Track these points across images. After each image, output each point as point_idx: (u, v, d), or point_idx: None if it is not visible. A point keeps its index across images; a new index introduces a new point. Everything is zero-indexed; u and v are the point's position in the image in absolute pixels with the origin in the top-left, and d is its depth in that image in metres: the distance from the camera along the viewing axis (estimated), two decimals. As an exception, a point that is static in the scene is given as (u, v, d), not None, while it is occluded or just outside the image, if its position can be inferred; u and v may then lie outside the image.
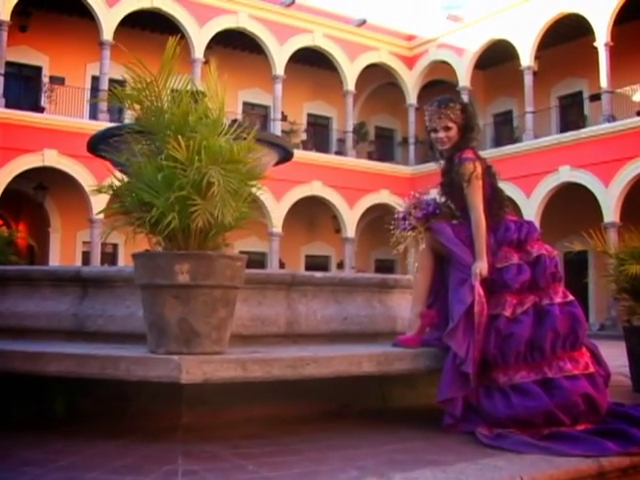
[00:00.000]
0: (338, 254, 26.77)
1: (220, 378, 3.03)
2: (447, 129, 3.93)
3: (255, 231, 21.94)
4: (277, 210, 23.38)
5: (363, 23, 26.25)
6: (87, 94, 21.97)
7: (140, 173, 3.13)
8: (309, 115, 28.07)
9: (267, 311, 4.01)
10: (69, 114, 20.83)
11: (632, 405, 3.81)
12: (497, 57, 25.40)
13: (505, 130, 27.02)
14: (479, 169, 3.82)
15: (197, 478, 2.58)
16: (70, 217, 21.87)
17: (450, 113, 3.92)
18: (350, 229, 25.39)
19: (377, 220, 23.40)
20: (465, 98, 21.00)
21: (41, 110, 21.00)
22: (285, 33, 24.45)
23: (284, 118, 25.26)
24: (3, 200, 19.39)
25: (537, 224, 4.03)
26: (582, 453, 3.01)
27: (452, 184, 3.92)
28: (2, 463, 2.75)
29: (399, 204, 4.12)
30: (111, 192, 3.24)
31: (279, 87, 24.35)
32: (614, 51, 21.11)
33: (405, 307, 4.31)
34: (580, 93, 24.97)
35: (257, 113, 26.22)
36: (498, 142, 26.03)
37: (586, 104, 24.47)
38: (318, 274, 4.37)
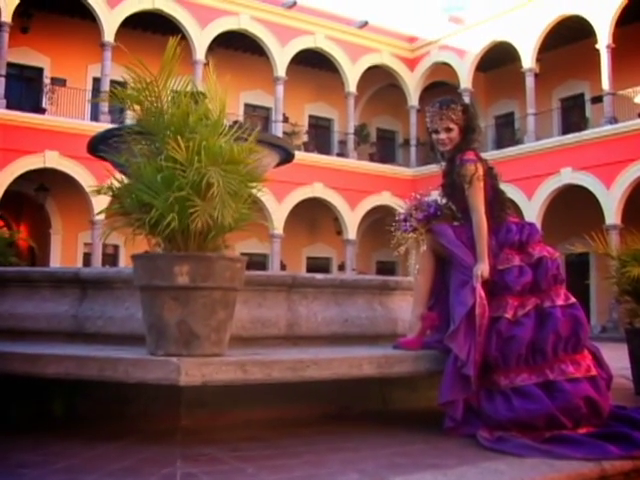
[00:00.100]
0: (339, 256, 26.76)
1: (219, 380, 3.01)
2: (448, 130, 3.91)
3: (256, 233, 21.92)
4: (278, 212, 23.39)
5: (365, 25, 26.26)
6: (88, 95, 21.99)
7: (140, 174, 3.11)
8: (310, 117, 28.09)
9: (267, 313, 3.99)
10: (70, 115, 20.84)
11: (634, 408, 3.79)
12: (499, 59, 25.40)
13: (506, 132, 27.02)
14: (480, 170, 3.80)
15: (196, 481, 2.56)
16: (71, 218, 21.88)
17: (451, 114, 3.90)
18: (351, 231, 25.39)
19: (378, 222, 23.40)
20: (467, 100, 20.99)
21: (42, 111, 21.02)
22: (287, 35, 24.46)
23: (285, 120, 25.26)
24: (4, 201, 19.40)
25: (538, 226, 4.01)
26: (584, 456, 2.99)
27: (453, 185, 3.90)
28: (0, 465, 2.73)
29: (400, 206, 4.11)
30: (110, 193, 3.22)
31: (280, 89, 24.36)
32: (616, 53, 21.10)
33: (406, 309, 4.29)
34: (582, 95, 24.97)
35: (258, 115, 26.23)
36: (499, 144, 26.02)
37: (588, 106, 24.46)
38: (319, 276, 4.36)
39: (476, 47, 25.02)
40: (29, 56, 22.26)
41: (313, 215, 25.85)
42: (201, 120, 3.18)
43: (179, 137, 3.00)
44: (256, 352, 3.43)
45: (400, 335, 4.11)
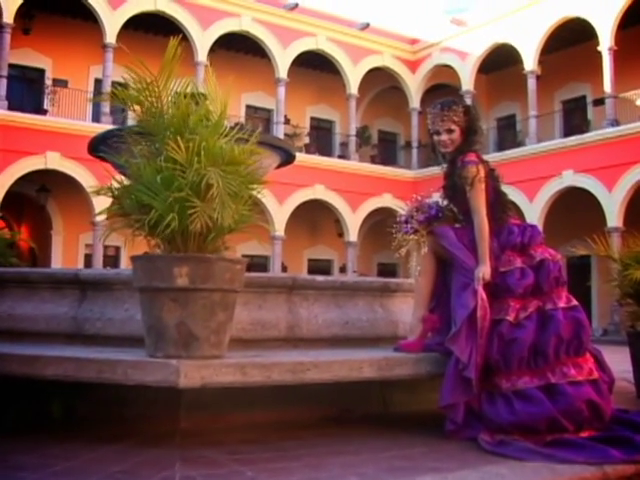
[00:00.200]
0: (341, 258, 26.76)
1: (219, 383, 2.99)
2: (450, 132, 3.90)
3: (256, 234, 21.87)
4: (279, 213, 23.40)
5: (366, 27, 26.25)
6: (90, 97, 21.97)
7: (139, 175, 3.10)
8: (312, 119, 28.09)
9: (267, 315, 3.97)
10: (72, 117, 20.84)
11: (636, 411, 3.77)
12: (500, 61, 25.39)
13: (508, 134, 26.99)
14: (482, 172, 3.78)
15: (194, 484, 2.55)
16: (72, 220, 21.88)
17: (453, 115, 3.88)
18: (352, 233, 25.38)
19: (379, 224, 23.37)
20: (468, 102, 20.96)
21: (44, 112, 21.02)
22: (288, 36, 24.46)
23: (287, 121, 25.25)
24: (5, 202, 19.38)
25: (540, 228, 3.99)
26: (586, 460, 2.97)
27: (455, 187, 3.88)
28: (-3, 468, 2.72)
29: (402, 208, 4.09)
30: (110, 194, 3.21)
31: (282, 90, 24.35)
32: (618, 55, 21.08)
33: (407, 311, 4.28)
34: (584, 97, 24.95)
35: (260, 116, 26.23)
36: (501, 146, 26.00)
37: (590, 108, 24.44)
38: (319, 278, 4.34)
39: (478, 49, 25.01)
40: (31, 57, 22.26)
41: (314, 217, 25.84)
42: (201, 121, 3.17)
43: (179, 138, 2.99)
44: (256, 354, 3.41)
45: (401, 337, 4.09)
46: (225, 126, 3.21)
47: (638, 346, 5.30)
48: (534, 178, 22.07)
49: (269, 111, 26.32)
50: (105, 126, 17.03)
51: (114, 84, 19.13)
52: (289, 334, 4.05)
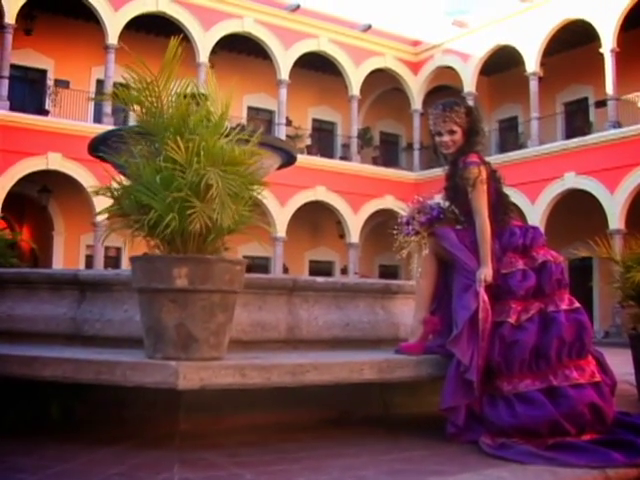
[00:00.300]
0: (342, 259, 26.75)
1: (218, 384, 2.98)
2: (452, 133, 3.88)
3: (257, 236, 21.88)
4: (281, 215, 23.40)
5: (368, 28, 26.24)
6: (92, 97, 21.99)
7: (139, 175, 3.08)
8: (314, 120, 28.08)
9: (267, 316, 3.95)
10: (73, 117, 20.84)
11: (638, 414, 3.74)
12: (502, 63, 25.37)
13: (510, 136, 26.98)
14: (484, 173, 3.76)
15: (193, 487, 2.53)
16: (74, 220, 21.88)
17: (455, 116, 3.86)
18: (354, 234, 25.37)
19: (381, 226, 23.35)
20: (470, 104, 20.95)
21: (46, 113, 21.03)
22: (290, 38, 24.46)
23: (289, 123, 25.25)
24: (7, 203, 19.41)
25: (542, 230, 3.97)
26: (588, 464, 2.95)
27: (456, 188, 3.86)
28: (-5, 469, 2.70)
29: (403, 209, 4.06)
30: (109, 194, 3.19)
31: (284, 92, 24.35)
32: (620, 57, 21.07)
33: (408, 313, 4.26)
34: (586, 99, 24.94)
35: (262, 118, 26.19)
36: (503, 148, 25.99)
37: (591, 110, 24.42)
38: (320, 279, 4.32)
39: (480, 51, 25.00)
40: (33, 58, 22.27)
41: (316, 218, 25.83)
42: (202, 121, 3.15)
43: (178, 138, 2.97)
44: (256, 356, 3.40)
45: (402, 339, 4.07)
46: (226, 127, 3.19)
47: (640, 348, 5.28)
48: (536, 180, 22.05)
49: (271, 112, 26.31)
50: (107, 127, 17.01)
51: (116, 85, 19.04)
52: (289, 336, 4.03)
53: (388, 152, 29.23)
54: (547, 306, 3.55)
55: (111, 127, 16.43)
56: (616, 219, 20.42)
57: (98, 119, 20.97)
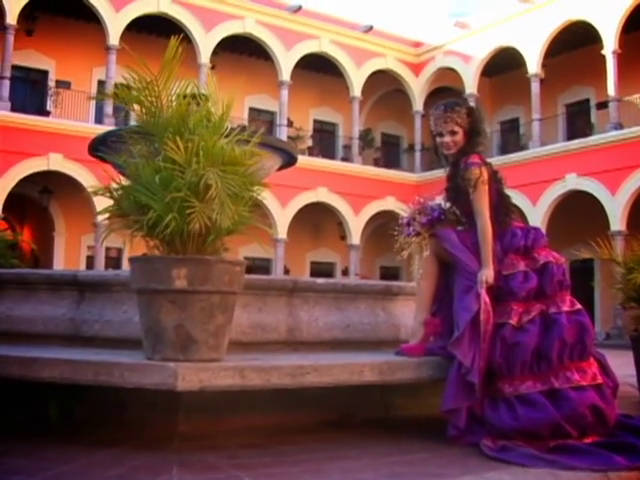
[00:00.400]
0: (343, 261, 26.73)
1: (217, 386, 2.96)
2: (453, 133, 3.86)
3: (257, 237, 21.86)
4: (282, 216, 23.38)
5: (370, 29, 26.25)
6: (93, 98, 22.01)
7: (138, 175, 3.07)
8: (315, 121, 28.08)
9: (267, 318, 3.94)
10: (74, 118, 20.85)
11: (641, 417, 3.72)
12: (504, 64, 25.36)
13: (511, 137, 26.98)
14: (485, 174, 3.74)
15: (191, 490, 2.51)
16: (75, 221, 21.88)
17: (456, 117, 3.84)
18: (355, 236, 25.35)
19: (382, 227, 23.30)
20: (472, 104, 20.94)
21: (47, 114, 21.04)
22: (292, 39, 24.46)
23: (290, 124, 25.25)
24: (8, 204, 19.42)
25: (543, 231, 3.95)
26: (589, 467, 2.92)
27: (457, 189, 3.84)
28: (-8, 471, 2.69)
29: (404, 211, 4.04)
30: (108, 194, 3.17)
31: (285, 93, 24.35)
32: (622, 59, 21.06)
33: (409, 315, 4.24)
34: (587, 101, 24.94)
35: (263, 119, 26.18)
36: (504, 149, 25.97)
37: (593, 112, 24.42)
38: (320, 280, 4.30)
39: (481, 52, 24.99)
40: (34, 59, 22.29)
41: (317, 220, 25.81)
42: (202, 121, 3.13)
43: (178, 138, 2.95)
44: (255, 357, 3.38)
45: (403, 341, 4.05)
46: (226, 127, 3.17)
47: (642, 350, 5.26)
48: (537, 182, 22.03)
49: (272, 114, 26.31)
50: (108, 128, 17.01)
51: (117, 86, 19.06)
52: (289, 337, 4.01)
53: (389, 153, 29.21)
54: (548, 308, 3.53)
55: (112, 128, 16.43)
56: (617, 220, 20.41)
57: (99, 120, 20.97)
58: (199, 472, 2.74)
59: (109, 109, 20.64)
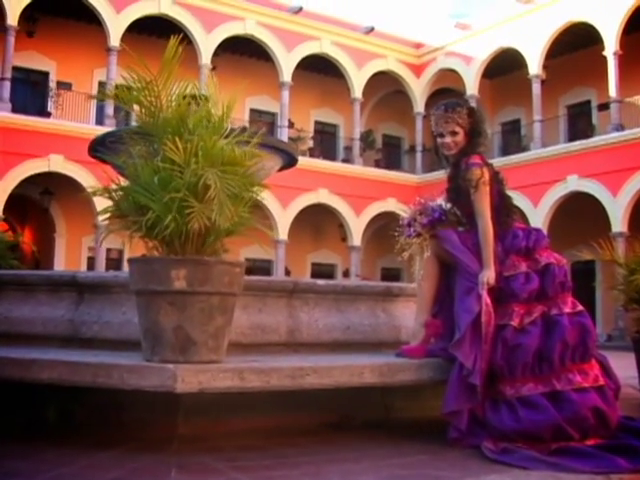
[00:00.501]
0: (344, 262, 26.72)
1: (216, 388, 2.94)
2: (454, 134, 3.84)
3: (257, 238, 21.85)
4: (283, 218, 23.37)
5: (371, 31, 26.24)
6: (94, 100, 21.98)
7: (137, 175, 3.05)
8: (316, 122, 28.08)
9: (267, 319, 3.92)
10: (75, 119, 20.85)
11: (643, 419, 3.70)
12: (505, 65, 25.35)
13: (513, 139, 26.97)
14: (487, 175, 3.73)
15: (190, 492, 2.50)
16: (75, 222, 21.88)
17: (457, 117, 3.82)
18: (356, 237, 25.34)
19: (383, 228, 23.26)
20: (473, 105, 20.92)
21: (47, 115, 21.04)
22: (292, 40, 24.45)
23: (291, 125, 25.25)
24: (9, 205, 19.42)
25: (545, 233, 3.94)
26: (592, 469, 2.91)
27: (458, 190, 3.82)
28: (-11, 474, 2.67)
29: (405, 212, 4.02)
30: (107, 195, 3.16)
31: (286, 94, 24.36)
32: (623, 60, 21.04)
33: (410, 316, 4.22)
34: (588, 102, 24.91)
35: (264, 120, 26.16)
36: (506, 151, 25.95)
37: (594, 113, 24.40)
38: (320, 282, 4.29)
39: (482, 53, 24.98)
40: (35, 60, 22.30)
41: (318, 221, 25.81)
42: (201, 122, 3.12)
43: (177, 138, 2.94)
44: (255, 359, 3.36)
45: (403, 343, 4.03)
46: (226, 127, 3.16)
47: (644, 352, 5.24)
48: (538, 183, 22.01)
49: (273, 115, 26.31)
50: (109, 129, 17.01)
51: (117, 86, 19.04)
52: (289, 339, 4.00)
53: (390, 155, 29.21)
54: (550, 309, 3.51)
55: (112, 129, 16.42)
56: (619, 222, 20.39)
57: (100, 121, 20.97)
58: (198, 475, 2.72)
59: (110, 110, 20.63)
